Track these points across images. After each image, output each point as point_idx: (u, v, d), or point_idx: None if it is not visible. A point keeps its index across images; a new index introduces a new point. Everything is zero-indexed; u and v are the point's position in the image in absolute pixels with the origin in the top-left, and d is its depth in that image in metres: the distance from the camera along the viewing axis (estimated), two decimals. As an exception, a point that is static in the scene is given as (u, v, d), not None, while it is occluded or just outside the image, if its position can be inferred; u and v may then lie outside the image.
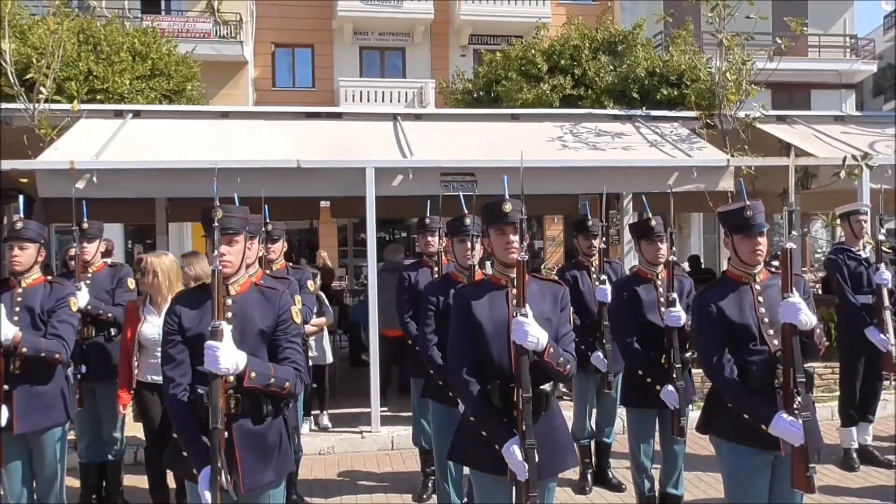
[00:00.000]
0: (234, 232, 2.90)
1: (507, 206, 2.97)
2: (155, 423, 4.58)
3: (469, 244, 4.23)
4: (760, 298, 3.28)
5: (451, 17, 20.65)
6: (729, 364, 3.22)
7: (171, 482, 4.73)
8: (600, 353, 5.13)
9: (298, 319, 3.05)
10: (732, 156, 7.75)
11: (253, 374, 2.77)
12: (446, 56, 20.94)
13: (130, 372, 4.58)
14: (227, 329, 2.72)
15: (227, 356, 2.67)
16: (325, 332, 7.09)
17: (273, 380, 2.84)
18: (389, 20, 20.24)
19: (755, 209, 3.22)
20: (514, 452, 2.84)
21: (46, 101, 7.60)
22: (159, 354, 3.85)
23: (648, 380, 4.21)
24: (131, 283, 5.24)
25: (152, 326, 4.46)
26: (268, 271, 4.72)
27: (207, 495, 2.68)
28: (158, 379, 4.16)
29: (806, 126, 8.93)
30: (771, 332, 3.21)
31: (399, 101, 19.42)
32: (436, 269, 5.02)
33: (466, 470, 4.26)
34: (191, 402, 2.84)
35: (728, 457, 3.31)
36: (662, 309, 4.25)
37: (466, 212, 4.33)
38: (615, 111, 9.41)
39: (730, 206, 3.34)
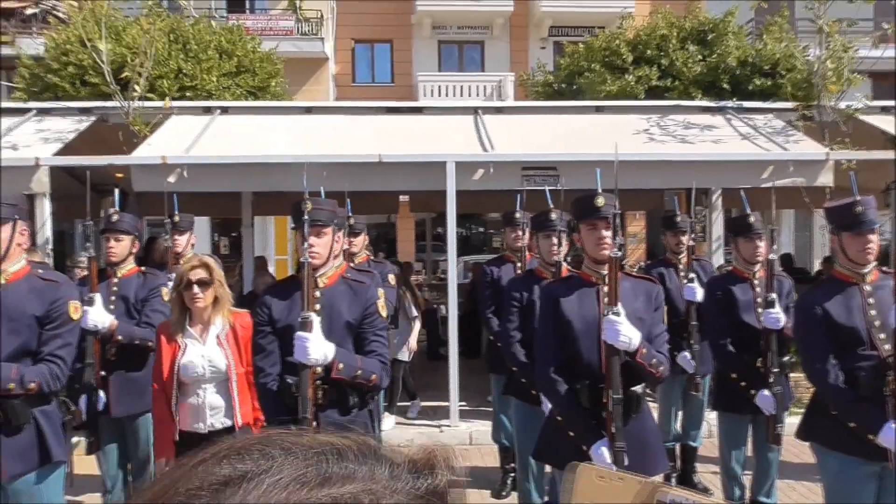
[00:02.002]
0: (322, 224, 2.91)
1: (600, 201, 2.88)
2: None
3: (555, 239, 4.14)
4: (871, 300, 3.07)
5: (530, 9, 20.42)
6: (834, 369, 3.03)
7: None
8: (687, 354, 4.96)
9: (384, 313, 3.04)
10: (832, 149, 7.36)
11: (340, 366, 2.78)
12: (526, 49, 20.72)
13: (173, 422, 3.34)
14: (315, 321, 2.73)
15: (317, 347, 2.69)
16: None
17: (360, 371, 2.85)
18: (468, 13, 20.18)
19: (866, 204, 3.02)
20: (602, 454, 2.75)
21: (140, 98, 7.90)
22: (204, 392, 3.28)
23: (742, 384, 4.02)
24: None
25: (197, 357, 3.33)
26: (351, 264, 4.75)
27: None
28: (202, 427, 3.30)
29: (912, 117, 8.40)
30: (882, 336, 3.01)
31: (478, 95, 19.34)
32: (519, 264, 4.94)
33: (548, 468, 4.20)
34: (279, 392, 2.86)
35: (832, 467, 3.12)
36: (759, 310, 4.05)
37: (552, 206, 4.23)
38: (705, 103, 9.09)
39: (838, 202, 3.15)
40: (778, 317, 3.88)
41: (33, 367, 2.92)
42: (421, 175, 7.05)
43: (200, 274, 3.33)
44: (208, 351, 3.34)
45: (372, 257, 5.95)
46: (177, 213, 5.28)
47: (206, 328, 3.38)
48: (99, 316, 3.81)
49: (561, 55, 13.14)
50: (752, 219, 4.14)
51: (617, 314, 2.74)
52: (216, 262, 3.46)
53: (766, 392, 3.90)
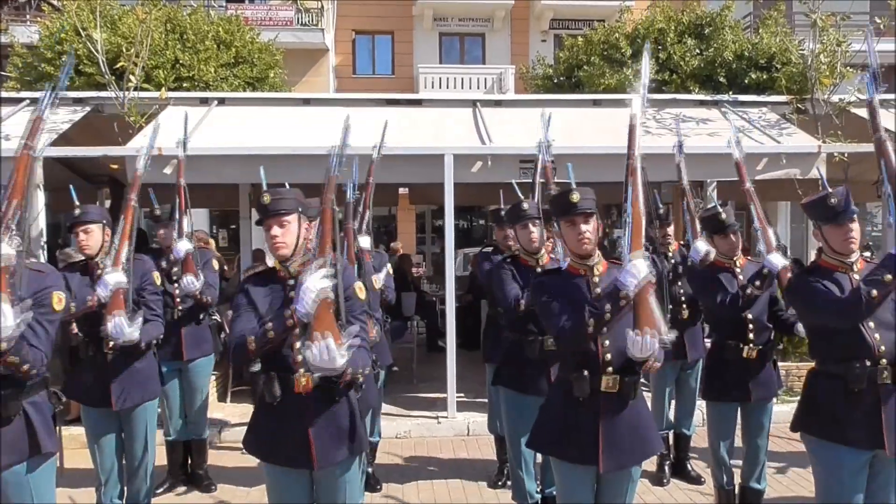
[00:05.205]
0: (285, 212, 2.89)
1: (575, 196, 2.85)
2: None
3: (532, 227, 4.08)
4: None
5: (531, 2, 20.39)
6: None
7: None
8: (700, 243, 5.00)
9: (362, 295, 2.98)
10: (824, 142, 7.38)
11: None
12: (526, 42, 20.71)
13: None
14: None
15: (340, 357, 2.58)
16: None
17: (350, 368, 2.71)
18: (469, 6, 20.17)
19: (839, 195, 3.03)
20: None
21: (136, 89, 7.86)
22: None
23: (730, 342, 4.10)
24: (216, 263, 5.39)
25: None
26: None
27: None
28: None
29: (905, 110, 8.41)
30: (872, 325, 3.01)
31: (478, 88, 19.34)
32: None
33: (539, 457, 4.23)
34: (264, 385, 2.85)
35: (822, 456, 3.13)
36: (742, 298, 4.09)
37: (522, 197, 4.25)
38: (701, 96, 9.11)
39: (812, 197, 3.16)
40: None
41: None
42: (420, 167, 7.04)
43: None
44: None
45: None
46: (157, 206, 5.27)
47: None
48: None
49: (561, 48, 13.13)
50: (723, 216, 4.19)
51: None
52: None
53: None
